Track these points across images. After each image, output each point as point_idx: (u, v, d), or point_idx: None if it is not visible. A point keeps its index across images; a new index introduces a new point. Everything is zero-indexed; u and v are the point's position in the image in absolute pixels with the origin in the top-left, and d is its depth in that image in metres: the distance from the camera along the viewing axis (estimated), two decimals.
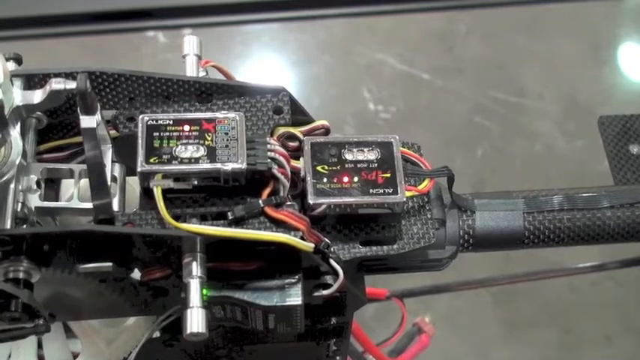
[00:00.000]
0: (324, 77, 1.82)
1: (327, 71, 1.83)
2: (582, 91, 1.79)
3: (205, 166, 0.48)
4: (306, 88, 1.81)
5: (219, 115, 0.51)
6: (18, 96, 0.50)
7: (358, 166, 0.51)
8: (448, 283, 1.11)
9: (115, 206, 0.49)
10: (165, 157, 0.48)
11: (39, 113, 0.52)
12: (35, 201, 0.49)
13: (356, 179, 0.50)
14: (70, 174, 0.50)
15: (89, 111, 0.45)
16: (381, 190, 0.50)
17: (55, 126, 0.54)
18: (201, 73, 0.56)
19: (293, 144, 0.53)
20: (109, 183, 0.49)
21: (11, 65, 0.53)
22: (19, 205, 0.48)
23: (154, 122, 0.50)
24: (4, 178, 0.47)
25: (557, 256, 1.38)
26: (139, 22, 1.85)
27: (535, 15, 1.89)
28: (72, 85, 0.48)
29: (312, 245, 0.49)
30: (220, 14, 1.87)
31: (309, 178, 0.50)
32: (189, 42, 0.57)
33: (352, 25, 1.89)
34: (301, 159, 0.51)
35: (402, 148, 0.53)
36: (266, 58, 1.86)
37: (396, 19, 1.88)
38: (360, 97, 1.77)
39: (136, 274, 0.50)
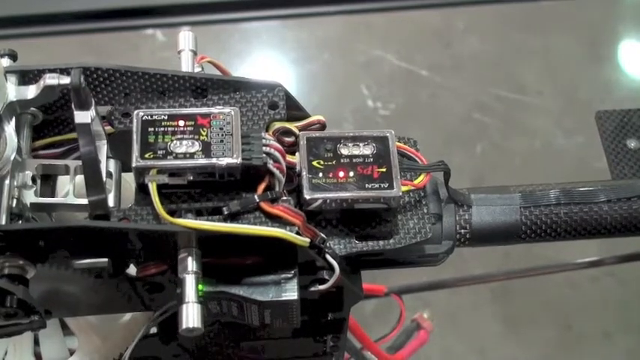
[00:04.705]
0: (322, 74, 1.82)
1: (326, 68, 1.83)
2: (581, 87, 1.79)
3: (200, 161, 0.48)
4: (305, 86, 1.81)
5: (214, 110, 0.51)
6: (12, 91, 0.50)
7: (354, 160, 0.51)
8: (447, 279, 1.11)
9: (111, 202, 0.49)
10: (160, 152, 0.48)
11: (34, 109, 0.52)
12: (30, 197, 0.49)
13: (352, 174, 0.50)
14: (66, 170, 0.50)
15: (83, 106, 0.45)
16: (377, 185, 0.50)
17: (50, 122, 0.54)
18: (197, 69, 0.56)
19: (289, 139, 0.53)
20: (104, 179, 0.49)
21: (6, 61, 0.53)
22: (14, 201, 0.48)
23: (149, 117, 0.50)
24: None
25: (556, 253, 1.38)
26: (137, 20, 1.85)
27: (533, 11, 1.89)
28: (66, 80, 0.48)
29: (308, 240, 0.49)
30: (219, 12, 1.87)
31: (304, 173, 0.50)
32: (185, 37, 0.57)
33: (350, 22, 1.88)
34: (297, 154, 0.51)
35: (397, 143, 0.52)
36: (265, 56, 1.86)
37: (394, 16, 1.88)
38: (358, 94, 1.77)
39: (132, 270, 0.50)
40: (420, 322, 0.98)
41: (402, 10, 1.88)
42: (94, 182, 0.47)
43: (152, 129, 0.49)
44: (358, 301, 0.55)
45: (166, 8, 1.85)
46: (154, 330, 0.57)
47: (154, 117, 0.50)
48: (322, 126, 0.54)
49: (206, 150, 0.48)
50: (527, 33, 1.85)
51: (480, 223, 0.56)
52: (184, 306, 0.46)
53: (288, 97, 0.54)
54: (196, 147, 0.49)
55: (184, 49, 0.56)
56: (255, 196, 0.49)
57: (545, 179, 0.61)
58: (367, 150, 0.51)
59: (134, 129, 0.49)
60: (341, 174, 0.50)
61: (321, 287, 0.50)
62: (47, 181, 0.51)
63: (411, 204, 0.53)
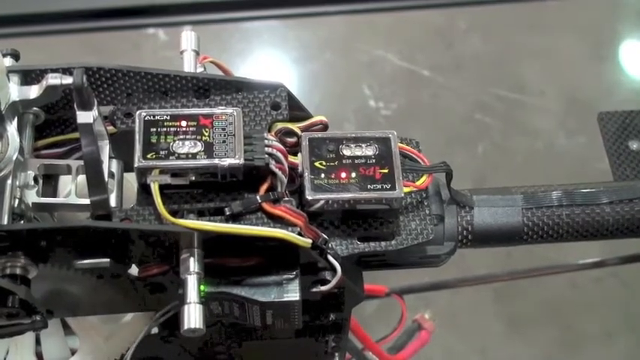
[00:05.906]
0: (324, 74, 1.82)
1: (328, 68, 1.83)
2: (583, 87, 1.78)
3: (202, 161, 0.48)
4: (306, 86, 1.81)
5: (216, 110, 0.51)
6: (14, 91, 0.50)
7: (356, 161, 0.51)
8: (448, 279, 1.11)
9: (113, 202, 0.49)
10: (162, 152, 0.48)
11: (36, 109, 0.52)
12: (32, 197, 0.49)
13: (354, 175, 0.50)
14: (68, 170, 0.50)
15: (86, 106, 0.45)
16: (379, 186, 0.50)
17: (52, 122, 0.54)
18: (199, 69, 0.56)
19: (291, 140, 0.53)
20: (106, 179, 0.49)
21: (8, 61, 0.53)
22: (16, 201, 0.48)
23: (151, 118, 0.50)
24: (1, 174, 0.47)
25: (557, 254, 1.37)
26: (139, 19, 1.85)
27: (535, 11, 1.88)
28: (68, 80, 0.48)
29: (310, 241, 0.49)
30: (221, 11, 1.87)
31: (306, 174, 0.50)
32: (187, 37, 0.57)
33: (352, 22, 1.88)
34: (299, 155, 0.51)
35: (400, 144, 0.52)
36: (266, 56, 1.86)
37: (396, 16, 1.88)
38: (360, 94, 1.77)
39: (134, 270, 0.50)
40: (421, 322, 0.98)
41: (403, 10, 1.88)
42: (96, 182, 0.47)
43: (154, 129, 0.49)
44: (360, 302, 0.55)
45: (168, 7, 1.85)
46: (155, 330, 0.57)
47: (157, 117, 0.50)
48: (324, 126, 0.54)
49: (208, 150, 0.48)
50: (530, 33, 1.85)
51: (481, 224, 0.56)
52: (186, 306, 0.46)
53: (291, 97, 0.54)
54: (199, 147, 0.49)
55: (187, 49, 0.56)
56: (257, 197, 0.49)
57: (547, 180, 0.61)
58: (369, 151, 0.51)
59: (136, 129, 0.49)
60: (343, 175, 0.50)
61: (323, 288, 0.50)
62: (49, 181, 0.51)
63: (413, 205, 0.53)
